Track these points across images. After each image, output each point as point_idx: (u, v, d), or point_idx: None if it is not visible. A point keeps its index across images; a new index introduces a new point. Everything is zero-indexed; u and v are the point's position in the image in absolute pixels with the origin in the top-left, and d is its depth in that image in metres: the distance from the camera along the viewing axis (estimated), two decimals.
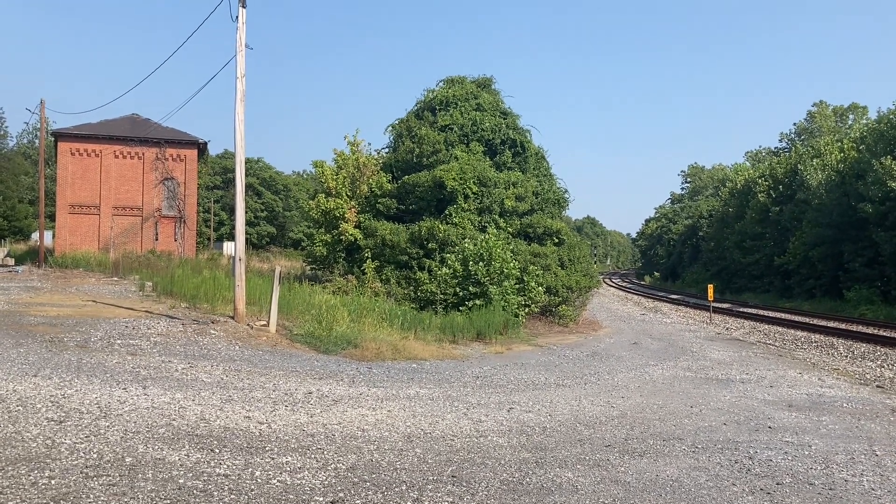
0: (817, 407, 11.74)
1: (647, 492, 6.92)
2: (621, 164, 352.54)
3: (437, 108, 28.93)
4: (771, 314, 35.01)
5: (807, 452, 8.62)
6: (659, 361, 17.33)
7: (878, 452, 8.72)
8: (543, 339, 21.57)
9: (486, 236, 23.29)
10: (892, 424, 10.54)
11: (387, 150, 30.51)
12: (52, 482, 5.92)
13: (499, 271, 22.15)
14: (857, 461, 8.29)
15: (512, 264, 22.59)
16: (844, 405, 11.97)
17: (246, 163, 17.62)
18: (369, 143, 31.18)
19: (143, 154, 41.75)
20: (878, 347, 21.02)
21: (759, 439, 9.24)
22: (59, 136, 41.64)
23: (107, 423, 7.78)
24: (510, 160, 28.24)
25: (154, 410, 8.58)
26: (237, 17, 16.74)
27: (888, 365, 17.65)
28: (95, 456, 6.68)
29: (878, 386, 14.41)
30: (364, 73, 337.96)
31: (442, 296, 22.43)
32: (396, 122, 29.97)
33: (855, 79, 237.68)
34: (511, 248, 23.99)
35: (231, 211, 20.09)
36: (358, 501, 6.18)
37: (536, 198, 27.56)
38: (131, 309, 18.27)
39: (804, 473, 7.73)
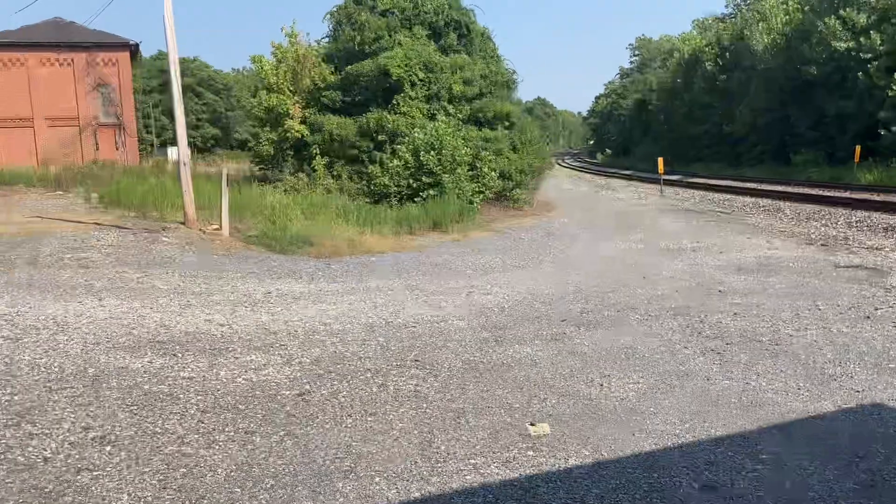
0: (765, 268, 12.17)
1: (602, 360, 7.19)
2: (570, 42, 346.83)
3: None
4: (720, 183, 35.63)
5: (755, 312, 8.99)
6: (612, 237, 17.66)
7: (821, 307, 9.13)
8: (499, 223, 21.74)
9: (436, 124, 22.95)
10: (835, 280, 11.00)
11: (327, 39, 29.41)
12: (15, 398, 5.91)
13: (451, 159, 21.99)
14: (802, 317, 8.68)
15: (464, 151, 22.41)
16: (791, 265, 12.42)
17: (181, 63, 16.90)
18: (308, 34, 30.17)
19: (73, 60, 39.62)
20: (823, 208, 21.66)
21: (709, 303, 9.59)
22: None
23: (65, 337, 7.73)
24: (455, 43, 27.49)
25: (112, 321, 8.52)
26: None
27: (832, 224, 18.25)
28: (57, 370, 6.67)
29: (822, 244, 14.93)
30: None
31: (396, 188, 22.28)
32: (335, 8, 28.73)
33: None
34: (462, 134, 23.72)
35: (171, 115, 19.40)
36: (324, 391, 6.32)
37: (485, 81, 27.05)
38: (79, 222, 17.84)
39: (752, 332, 8.08)
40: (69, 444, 5.14)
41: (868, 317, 8.58)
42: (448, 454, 5.10)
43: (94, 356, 7.12)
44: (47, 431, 5.32)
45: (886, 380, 6.45)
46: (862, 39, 34.33)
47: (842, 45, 35.19)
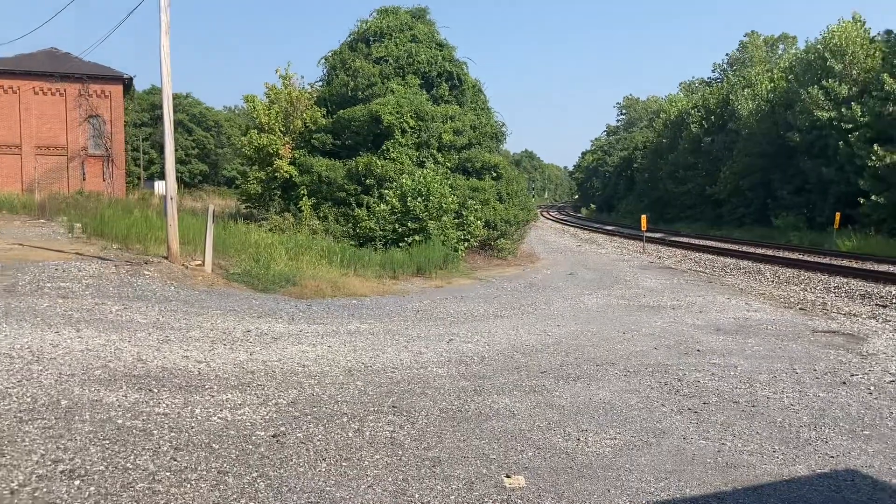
0: (743, 330, 12.26)
1: (580, 414, 7.18)
2: (559, 98, 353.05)
3: (372, 39, 28.28)
4: (702, 242, 36.07)
5: (733, 373, 9.04)
6: (594, 290, 17.75)
7: (797, 371, 9.20)
8: (483, 272, 21.82)
9: (425, 171, 23.17)
10: (812, 344, 11.10)
11: (320, 83, 29.79)
12: None
13: (437, 206, 22.14)
14: (779, 379, 8.74)
15: (451, 199, 22.59)
16: (769, 328, 12.53)
17: (174, 98, 17.04)
18: (302, 77, 30.55)
19: (66, 90, 39.87)
20: (802, 272, 21.94)
21: (688, 362, 9.64)
22: None
23: (40, 367, 7.63)
24: (447, 93, 27.93)
25: (89, 353, 8.43)
26: None
27: (811, 288, 18.47)
28: (29, 400, 6.57)
29: (800, 308, 15.09)
30: (295, 2, 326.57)
31: (381, 232, 22.36)
32: (330, 53, 29.21)
33: (785, 10, 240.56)
34: (449, 182, 23.94)
35: (161, 149, 19.60)
36: (299, 434, 6.26)
37: (474, 131, 27.42)
38: (60, 251, 17.72)
39: (729, 392, 8.12)
40: (37, 476, 5.05)
41: (844, 382, 8.65)
42: None
43: (68, 388, 7.03)
44: (16, 463, 5.22)
45: (861, 446, 6.48)
46: (843, 110, 35.24)
47: (824, 115, 36.10)
